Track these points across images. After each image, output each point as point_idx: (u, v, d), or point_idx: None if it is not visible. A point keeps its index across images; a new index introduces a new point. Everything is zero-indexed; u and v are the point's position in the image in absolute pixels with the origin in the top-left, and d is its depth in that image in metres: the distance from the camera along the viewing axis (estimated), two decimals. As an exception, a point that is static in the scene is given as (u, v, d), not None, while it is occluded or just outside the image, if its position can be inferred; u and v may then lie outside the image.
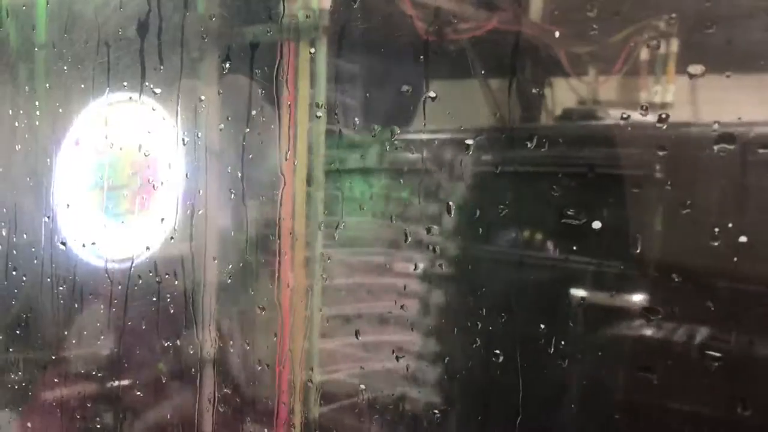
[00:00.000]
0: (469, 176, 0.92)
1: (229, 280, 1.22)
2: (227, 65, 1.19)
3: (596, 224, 0.78)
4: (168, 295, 1.26)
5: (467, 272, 0.95)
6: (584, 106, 0.84)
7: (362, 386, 1.03)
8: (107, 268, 1.38)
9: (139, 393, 1.38)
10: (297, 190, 1.15)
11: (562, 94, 0.86)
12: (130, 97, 1.31)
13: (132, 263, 1.33)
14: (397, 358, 0.99)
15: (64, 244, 1.46)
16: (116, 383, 1.41)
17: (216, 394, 1.22)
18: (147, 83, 1.28)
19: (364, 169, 1.07)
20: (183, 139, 1.24)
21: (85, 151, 1.46)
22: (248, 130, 1.15)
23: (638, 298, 0.78)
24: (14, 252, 1.57)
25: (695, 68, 0.70)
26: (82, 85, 1.40)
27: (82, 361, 1.48)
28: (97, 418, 1.45)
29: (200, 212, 1.22)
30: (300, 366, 1.12)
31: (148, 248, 1.30)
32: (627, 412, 0.80)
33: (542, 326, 0.82)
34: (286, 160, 1.14)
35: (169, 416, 1.31)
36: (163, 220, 1.28)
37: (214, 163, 1.22)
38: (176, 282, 1.25)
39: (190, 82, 1.23)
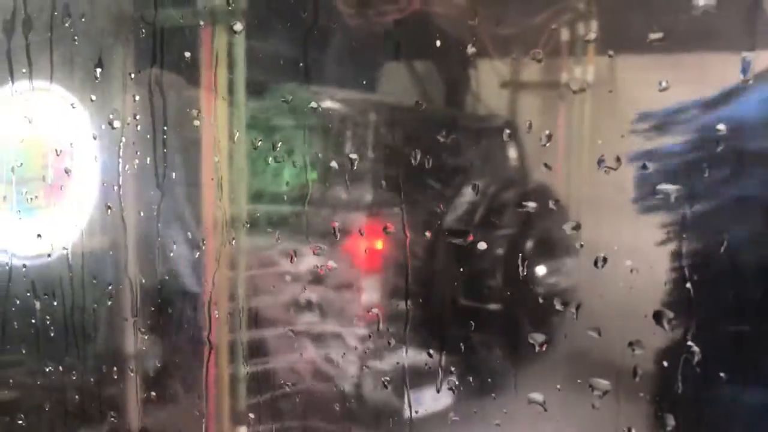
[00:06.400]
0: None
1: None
2: (141, 50, 1.17)
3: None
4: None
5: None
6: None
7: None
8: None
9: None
10: (221, 173, 1.14)
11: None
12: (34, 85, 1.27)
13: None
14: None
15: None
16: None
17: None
18: (56, 70, 1.24)
19: (287, 152, 1.08)
20: (100, 126, 1.21)
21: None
22: (165, 115, 1.14)
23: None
24: None
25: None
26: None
27: None
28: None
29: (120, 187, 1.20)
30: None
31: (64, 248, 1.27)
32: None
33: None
34: (206, 143, 1.13)
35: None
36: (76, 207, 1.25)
37: (130, 150, 1.19)
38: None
39: (102, 68, 1.20)
